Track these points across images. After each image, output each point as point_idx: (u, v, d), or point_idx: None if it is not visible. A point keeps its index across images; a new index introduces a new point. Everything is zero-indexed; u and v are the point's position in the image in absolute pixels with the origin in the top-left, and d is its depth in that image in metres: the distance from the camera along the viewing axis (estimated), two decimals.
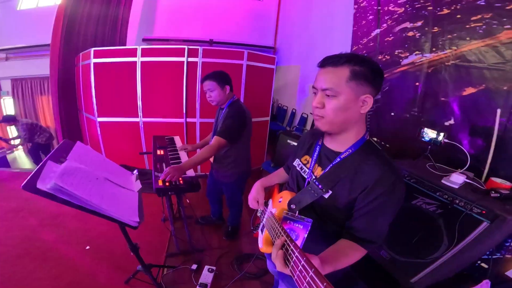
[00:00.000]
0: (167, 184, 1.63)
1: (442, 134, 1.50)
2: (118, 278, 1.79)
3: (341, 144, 0.84)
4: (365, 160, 0.78)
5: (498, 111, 1.51)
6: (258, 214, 1.13)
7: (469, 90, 1.68)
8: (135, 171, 1.55)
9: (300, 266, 0.53)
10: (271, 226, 0.84)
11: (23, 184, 0.82)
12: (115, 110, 3.50)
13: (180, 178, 1.71)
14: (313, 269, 0.49)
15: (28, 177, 0.87)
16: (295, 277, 0.54)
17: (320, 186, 0.82)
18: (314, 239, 0.84)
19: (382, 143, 2.56)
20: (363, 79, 0.72)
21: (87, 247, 2.14)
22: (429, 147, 1.59)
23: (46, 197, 0.86)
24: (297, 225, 0.81)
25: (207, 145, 1.80)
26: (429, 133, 1.56)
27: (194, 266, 1.94)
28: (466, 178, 1.38)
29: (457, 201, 1.33)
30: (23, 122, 4.33)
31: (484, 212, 1.25)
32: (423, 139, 1.61)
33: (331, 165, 0.84)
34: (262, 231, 1.00)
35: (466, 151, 1.49)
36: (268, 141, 4.07)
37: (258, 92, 3.63)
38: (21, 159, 6.34)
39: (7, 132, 6.28)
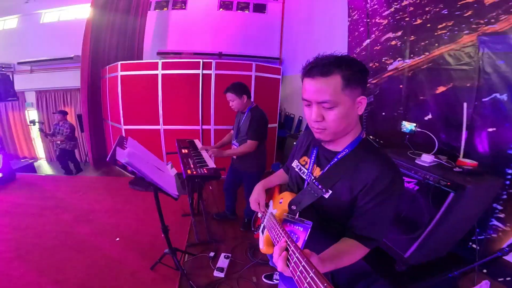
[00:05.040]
0: (194, 173, 1.99)
1: (414, 124, 1.83)
2: (145, 265, 2.00)
3: (338, 145, 0.85)
4: (363, 158, 0.79)
5: (465, 104, 1.82)
6: (259, 215, 1.15)
7: (441, 89, 2.02)
8: (170, 162, 1.93)
9: (301, 267, 0.53)
10: (271, 227, 0.85)
11: (108, 157, 1.21)
12: (139, 119, 3.89)
13: (205, 168, 2.07)
14: (313, 270, 0.49)
15: (109, 155, 1.25)
16: (296, 277, 0.55)
17: (320, 186, 0.83)
18: (317, 240, 0.85)
19: (377, 140, 2.88)
20: (355, 83, 0.72)
21: (117, 239, 2.37)
22: (407, 136, 1.91)
23: (121, 168, 1.24)
24: (297, 227, 0.82)
25: (243, 144, 2.20)
26: (407, 125, 1.89)
27: (211, 254, 2.16)
28: (435, 158, 1.69)
29: (427, 177, 1.64)
30: (70, 123, 4.78)
31: (449, 184, 1.52)
32: (403, 130, 1.94)
33: (329, 165, 0.85)
34: (262, 232, 1.02)
35: (433, 136, 1.81)
36: (277, 147, 4.42)
37: (266, 100, 3.94)
38: (43, 167, 6.77)
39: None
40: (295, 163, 1.01)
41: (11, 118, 7.24)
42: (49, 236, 2.39)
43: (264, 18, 7.17)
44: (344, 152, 0.82)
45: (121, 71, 3.78)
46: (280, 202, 0.97)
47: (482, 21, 1.75)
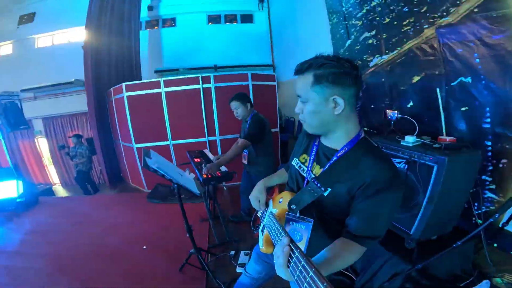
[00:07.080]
0: (209, 176, 2.21)
1: (396, 111, 2.08)
2: (173, 268, 2.14)
3: (336, 142, 0.87)
4: (362, 157, 0.80)
5: (438, 89, 2.06)
6: (259, 215, 1.15)
7: (415, 78, 2.28)
8: (187, 169, 2.18)
9: (300, 266, 0.53)
10: (271, 226, 0.86)
11: (142, 164, 1.47)
12: (149, 136, 4.09)
13: (218, 172, 2.29)
14: (313, 269, 0.49)
15: (142, 162, 1.52)
16: (295, 277, 0.55)
17: (319, 185, 0.83)
18: (319, 238, 0.86)
19: (371, 130, 3.12)
20: (325, 82, 0.76)
21: (144, 247, 2.53)
22: (392, 122, 2.16)
23: (152, 171, 1.50)
24: (299, 225, 0.83)
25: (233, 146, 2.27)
26: (390, 113, 2.14)
27: (232, 252, 2.33)
28: (417, 138, 1.92)
29: (412, 155, 1.86)
30: (86, 145, 5.10)
31: (431, 158, 1.71)
32: (388, 118, 2.18)
33: (329, 163, 0.86)
34: (262, 231, 1.02)
35: (413, 120, 2.04)
36: (281, 150, 4.68)
37: (265, 107, 4.07)
38: (60, 192, 6.95)
39: None
40: (294, 161, 1.03)
41: (21, 147, 7.44)
42: (83, 249, 2.58)
43: (253, 27, 7.45)
44: (343, 151, 0.84)
45: (126, 91, 3.99)
46: (280, 202, 0.98)
47: (436, 15, 2.01)
